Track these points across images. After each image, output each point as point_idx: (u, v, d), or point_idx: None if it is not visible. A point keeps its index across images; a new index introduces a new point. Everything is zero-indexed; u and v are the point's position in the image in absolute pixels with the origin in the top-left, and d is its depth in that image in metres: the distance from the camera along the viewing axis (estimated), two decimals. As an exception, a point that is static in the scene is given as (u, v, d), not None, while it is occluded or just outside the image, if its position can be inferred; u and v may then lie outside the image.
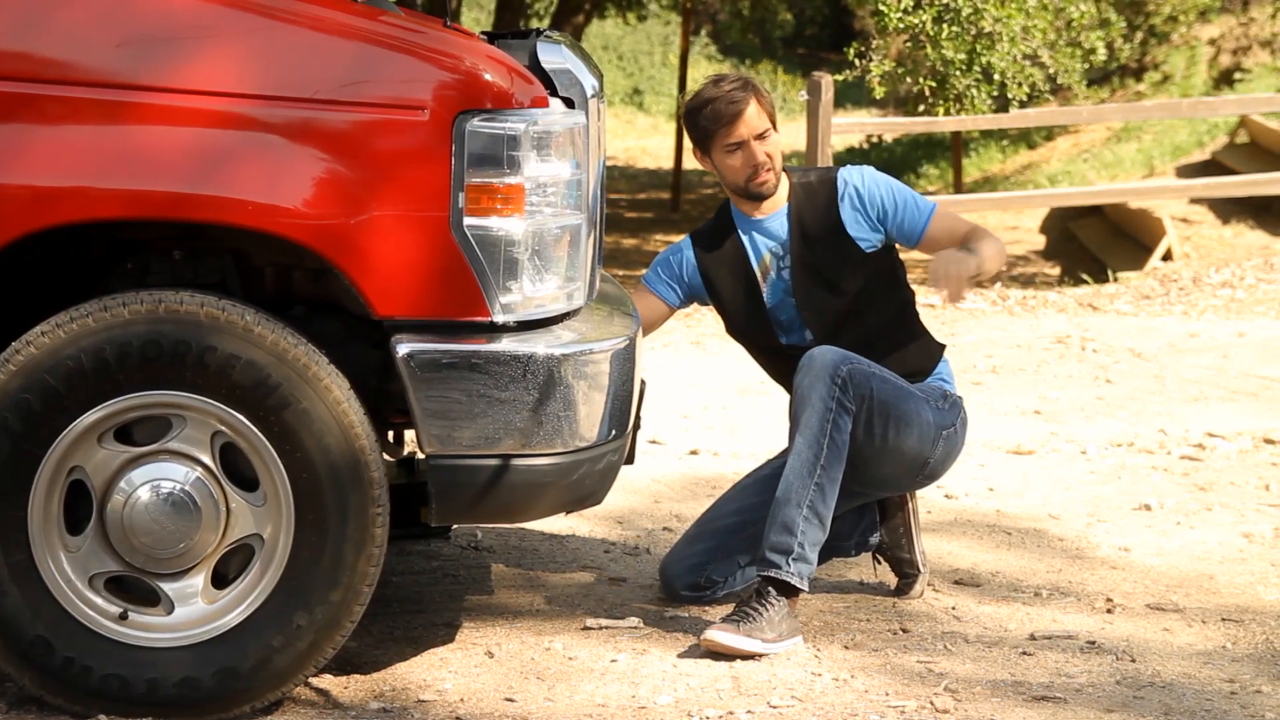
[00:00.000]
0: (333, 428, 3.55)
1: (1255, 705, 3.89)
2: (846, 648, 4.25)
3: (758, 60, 29.04)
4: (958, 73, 10.78)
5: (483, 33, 4.16)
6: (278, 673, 3.63)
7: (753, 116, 4.48)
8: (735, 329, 4.67)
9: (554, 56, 3.76)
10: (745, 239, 4.57)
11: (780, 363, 4.59)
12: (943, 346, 4.65)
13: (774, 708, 3.84)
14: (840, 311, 4.50)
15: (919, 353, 4.57)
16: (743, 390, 7.30)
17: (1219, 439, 6.64)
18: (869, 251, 4.51)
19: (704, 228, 4.68)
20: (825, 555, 4.59)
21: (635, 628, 4.36)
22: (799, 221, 4.53)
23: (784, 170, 4.57)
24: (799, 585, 4.22)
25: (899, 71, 11.74)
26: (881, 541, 4.68)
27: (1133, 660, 4.19)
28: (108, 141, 3.47)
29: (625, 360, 3.76)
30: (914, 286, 4.72)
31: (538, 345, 3.60)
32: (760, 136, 4.49)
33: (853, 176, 4.55)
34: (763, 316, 4.56)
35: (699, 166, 6.51)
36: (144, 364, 3.50)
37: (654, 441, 6.49)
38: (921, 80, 11.29)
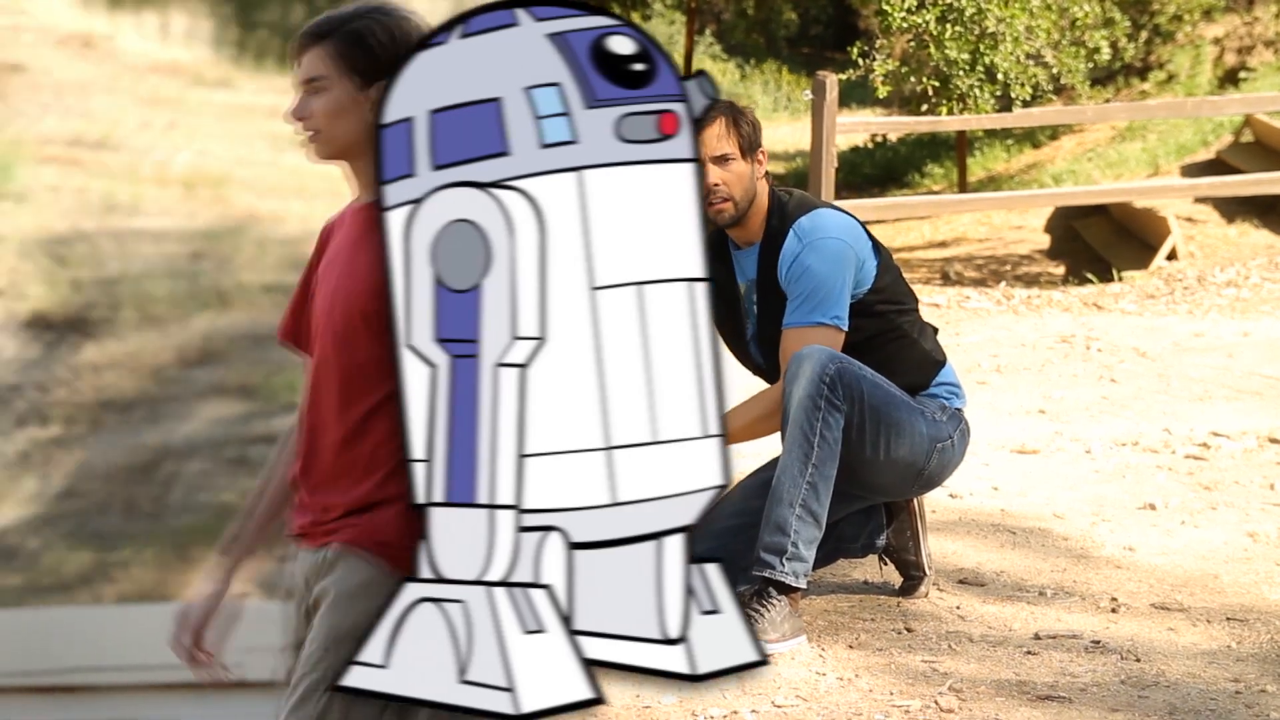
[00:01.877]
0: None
1: (1260, 705, 3.88)
2: (851, 647, 4.25)
3: (762, 60, 29.01)
4: (961, 73, 10.79)
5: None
6: (281, 672, 3.63)
7: (712, 137, 4.29)
8: (723, 341, 4.65)
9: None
10: (734, 259, 4.51)
11: (762, 376, 4.56)
12: (939, 364, 4.52)
13: (778, 707, 3.84)
14: None
15: (905, 374, 4.42)
16: (741, 391, 7.29)
17: (1224, 438, 6.63)
18: None
19: (708, 237, 4.64)
20: (832, 556, 4.58)
21: (639, 627, 4.35)
22: (764, 264, 4.41)
23: (771, 198, 4.41)
24: (794, 584, 4.20)
25: (903, 71, 11.75)
26: (888, 544, 4.67)
27: (1137, 660, 4.18)
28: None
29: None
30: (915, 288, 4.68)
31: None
32: (719, 160, 4.31)
33: (795, 249, 4.33)
34: (743, 335, 4.53)
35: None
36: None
37: (658, 441, 6.48)
38: (925, 80, 11.30)
